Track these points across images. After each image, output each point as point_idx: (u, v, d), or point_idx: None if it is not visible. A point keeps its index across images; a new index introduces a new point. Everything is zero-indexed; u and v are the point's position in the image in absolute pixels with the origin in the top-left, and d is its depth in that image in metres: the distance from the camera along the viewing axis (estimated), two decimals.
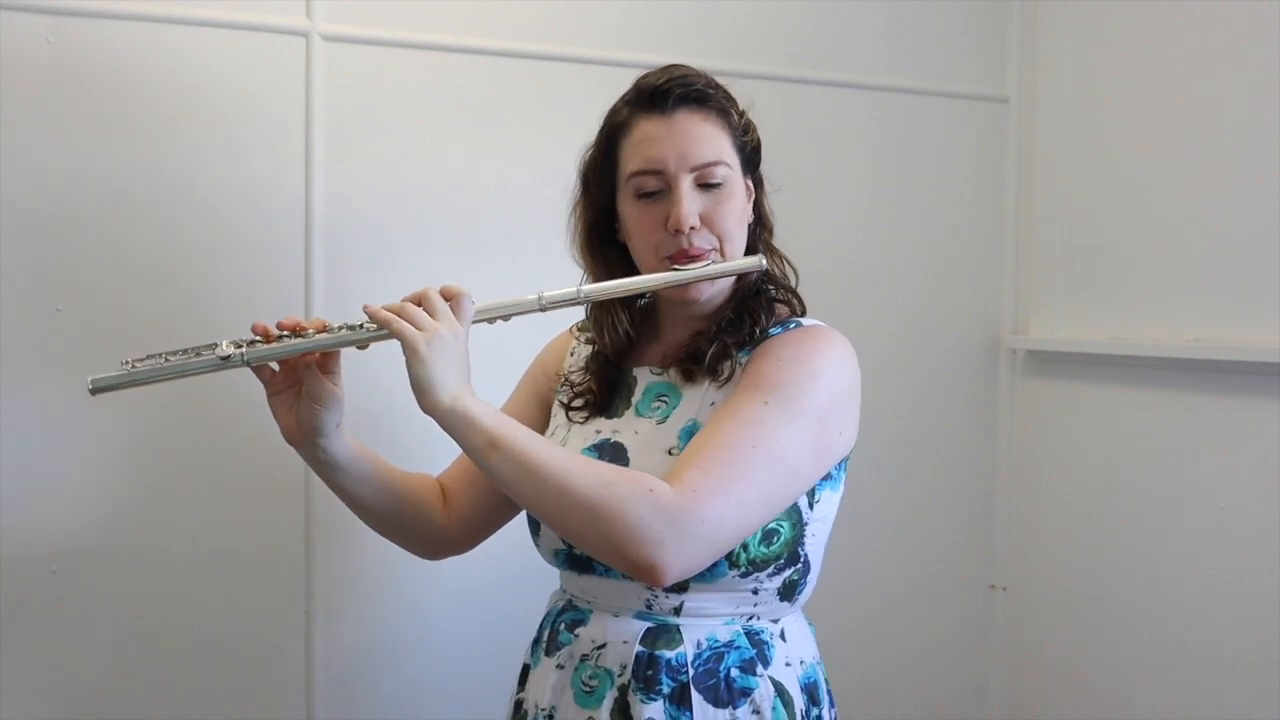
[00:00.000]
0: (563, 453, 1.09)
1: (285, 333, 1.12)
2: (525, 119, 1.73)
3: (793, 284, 1.28)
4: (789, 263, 1.28)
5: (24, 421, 1.50)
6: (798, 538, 1.16)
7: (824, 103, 1.94)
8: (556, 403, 1.31)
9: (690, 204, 1.15)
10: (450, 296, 1.10)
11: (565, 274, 1.29)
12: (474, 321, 1.11)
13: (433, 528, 1.31)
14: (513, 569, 1.40)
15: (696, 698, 1.13)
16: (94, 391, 1.09)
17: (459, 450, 1.13)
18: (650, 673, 1.14)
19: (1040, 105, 2.05)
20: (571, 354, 1.35)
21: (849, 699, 2.05)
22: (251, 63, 1.58)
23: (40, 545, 1.52)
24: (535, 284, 1.32)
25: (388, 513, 1.28)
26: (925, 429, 2.06)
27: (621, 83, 1.24)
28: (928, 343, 2.05)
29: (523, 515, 1.29)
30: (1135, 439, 1.85)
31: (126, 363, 1.10)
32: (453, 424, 1.05)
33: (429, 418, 1.06)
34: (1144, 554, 1.83)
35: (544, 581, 1.31)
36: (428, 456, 1.34)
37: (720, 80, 1.22)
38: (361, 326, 1.11)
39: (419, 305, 1.09)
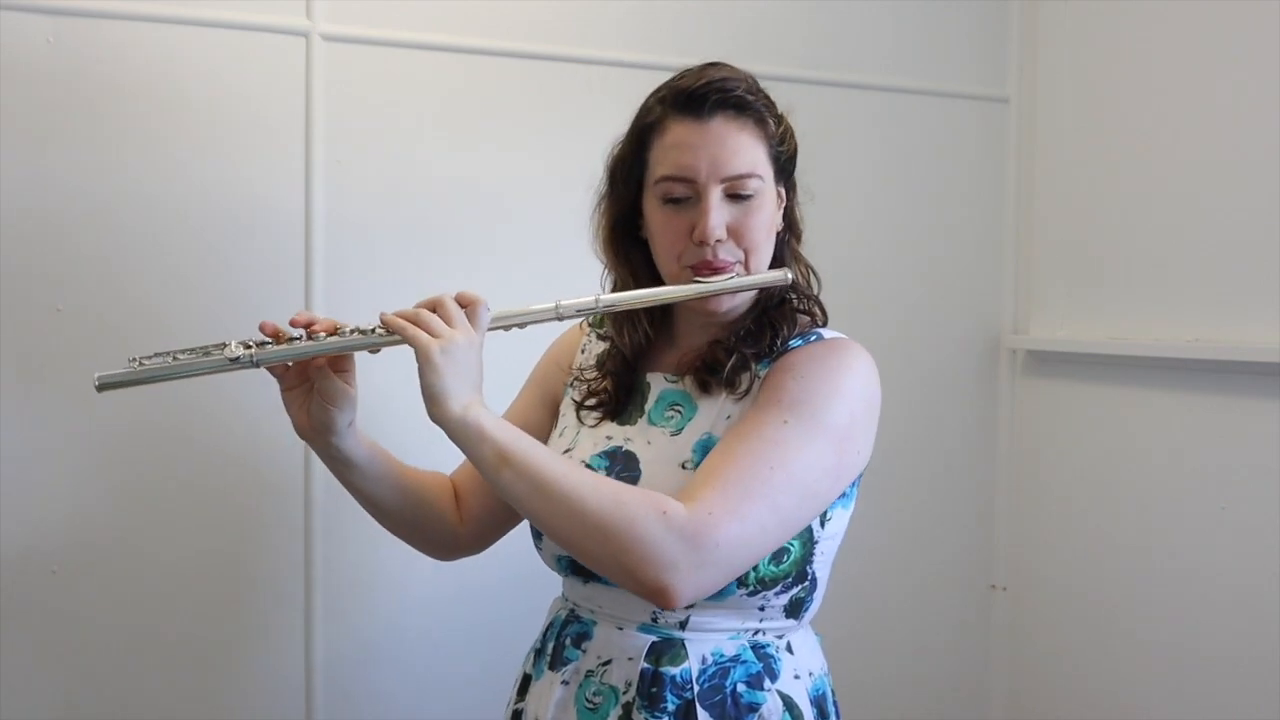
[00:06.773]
0: (574, 468, 1.06)
1: (297, 332, 1.10)
2: (525, 119, 1.73)
3: (816, 292, 1.24)
4: (813, 271, 1.25)
5: (24, 421, 1.50)
6: (807, 556, 1.14)
7: (824, 103, 1.93)
8: (567, 399, 1.28)
9: (718, 216, 1.11)
10: (466, 303, 1.07)
11: (566, 272, 1.28)
12: (489, 329, 1.08)
13: (445, 528, 1.28)
14: (514, 570, 1.40)
15: (702, 714, 1.11)
16: (100, 389, 1.07)
17: None
18: (655, 690, 1.11)
19: (1040, 105, 2.05)
20: (583, 350, 1.31)
21: (849, 699, 2.05)
22: (251, 63, 1.58)
23: (40, 545, 1.52)
24: (536, 283, 1.33)
25: (401, 512, 1.25)
26: (925, 429, 2.05)
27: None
28: (928, 343, 2.05)
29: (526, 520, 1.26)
30: (1135, 439, 1.85)
31: (134, 360, 1.08)
32: (463, 435, 1.02)
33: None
34: (1144, 554, 1.83)
35: (545, 584, 1.31)
36: (444, 458, 1.30)
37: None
38: (374, 331, 1.08)
39: (434, 311, 1.05)
